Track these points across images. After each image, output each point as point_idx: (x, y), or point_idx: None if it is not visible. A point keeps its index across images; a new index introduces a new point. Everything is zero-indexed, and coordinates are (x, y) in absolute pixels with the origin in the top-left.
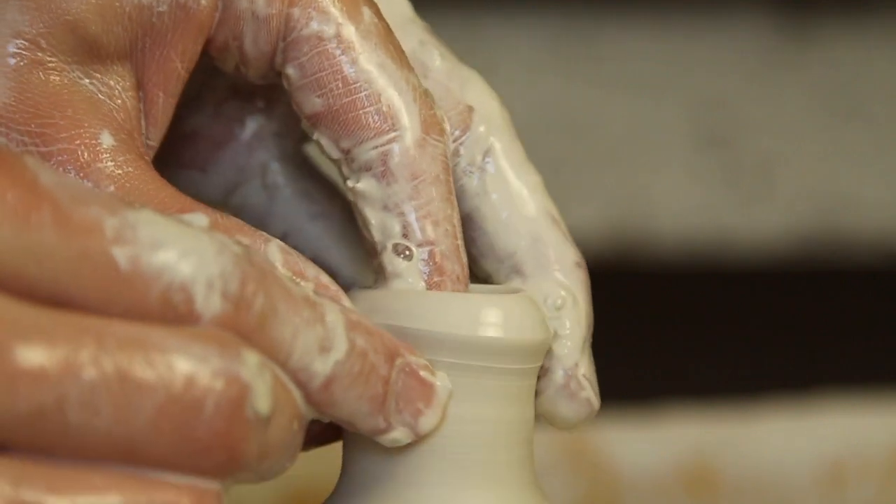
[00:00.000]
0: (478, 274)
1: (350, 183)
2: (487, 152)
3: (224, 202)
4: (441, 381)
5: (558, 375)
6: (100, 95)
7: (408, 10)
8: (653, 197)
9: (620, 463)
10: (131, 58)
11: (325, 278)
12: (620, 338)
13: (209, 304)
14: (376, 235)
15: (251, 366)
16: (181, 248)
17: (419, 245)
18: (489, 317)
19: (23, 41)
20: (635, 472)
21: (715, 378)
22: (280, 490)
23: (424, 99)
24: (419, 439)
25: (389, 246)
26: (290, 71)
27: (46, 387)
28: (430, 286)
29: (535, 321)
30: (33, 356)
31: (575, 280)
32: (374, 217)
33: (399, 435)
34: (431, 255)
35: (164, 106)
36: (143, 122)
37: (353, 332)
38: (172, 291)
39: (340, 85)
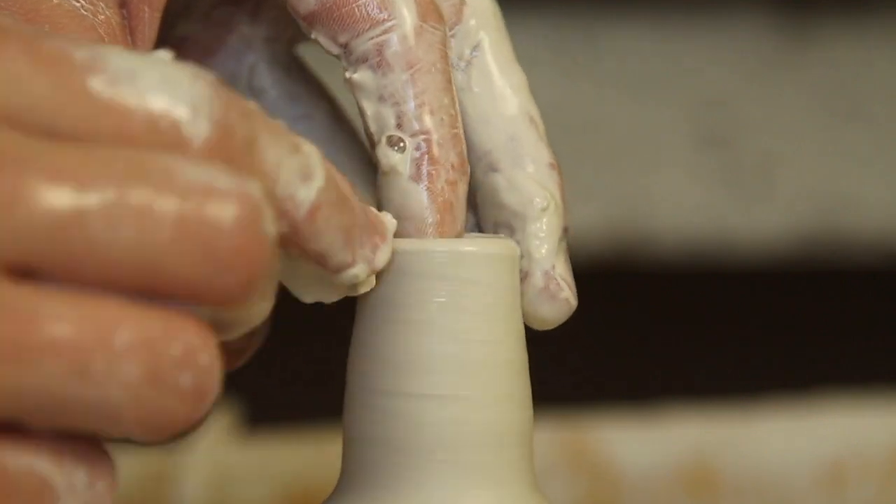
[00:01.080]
0: None
1: (347, 75)
2: (476, 47)
3: None
4: (388, 218)
5: (537, 277)
6: (82, 11)
7: None
8: (652, 196)
9: (620, 463)
10: None
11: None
12: (620, 337)
13: (197, 128)
14: (372, 127)
15: (258, 187)
16: (157, 75)
17: (413, 135)
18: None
19: None
20: (635, 472)
21: (715, 378)
22: (280, 489)
23: None
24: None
25: (384, 139)
26: None
27: (66, 202)
28: (421, 176)
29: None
30: (50, 174)
31: (549, 180)
32: (370, 108)
33: (359, 270)
34: (426, 144)
35: (149, 20)
36: (128, 38)
37: (326, 163)
38: (157, 117)
39: None
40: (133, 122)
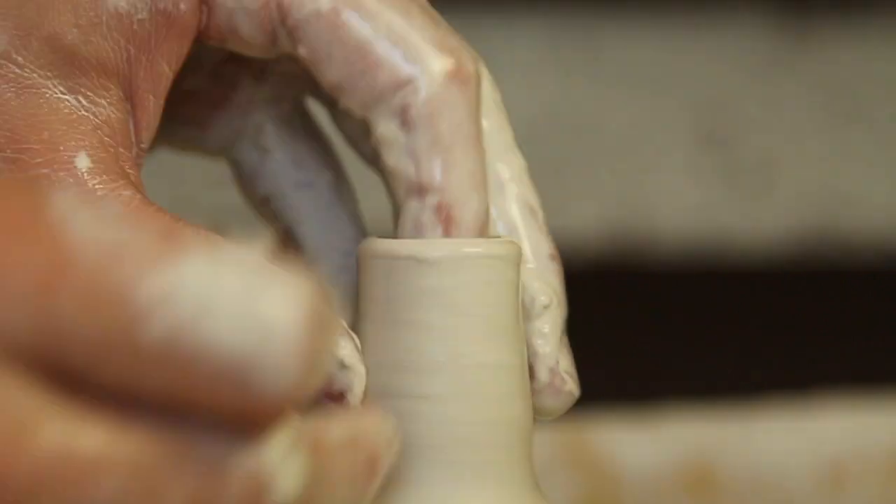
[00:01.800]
0: None
1: (374, 131)
2: None
3: (223, 156)
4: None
5: (542, 374)
6: (82, 111)
7: None
8: (652, 196)
9: (620, 463)
10: (116, 67)
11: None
12: (619, 337)
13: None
14: (393, 183)
15: (277, 452)
16: (234, 312)
17: (433, 193)
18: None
19: None
20: (635, 472)
21: (715, 378)
22: None
23: (445, 44)
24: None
25: (404, 193)
26: (301, 51)
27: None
28: (442, 234)
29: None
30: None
31: (550, 273)
32: (393, 163)
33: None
34: (444, 204)
35: (154, 108)
36: (131, 130)
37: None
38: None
39: (352, 51)
40: (191, 379)
